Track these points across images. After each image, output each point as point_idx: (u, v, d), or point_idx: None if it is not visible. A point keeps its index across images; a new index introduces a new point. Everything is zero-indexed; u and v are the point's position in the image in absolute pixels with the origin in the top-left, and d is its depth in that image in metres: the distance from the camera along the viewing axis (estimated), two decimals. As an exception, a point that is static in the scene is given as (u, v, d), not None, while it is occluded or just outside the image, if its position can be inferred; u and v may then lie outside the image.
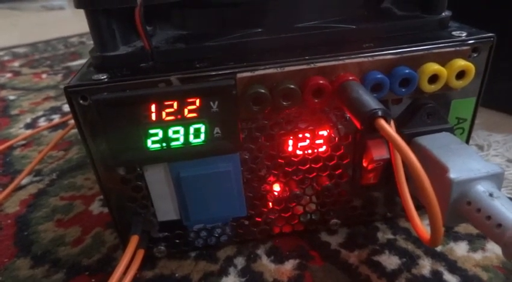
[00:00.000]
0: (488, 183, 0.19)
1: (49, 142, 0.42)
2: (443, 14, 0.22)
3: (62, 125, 0.47)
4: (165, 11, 0.24)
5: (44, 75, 0.66)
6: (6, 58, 0.79)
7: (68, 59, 0.74)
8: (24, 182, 0.36)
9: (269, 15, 0.22)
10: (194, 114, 0.20)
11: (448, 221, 0.20)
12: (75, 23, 0.98)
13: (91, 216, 0.31)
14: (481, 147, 0.36)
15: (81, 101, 0.19)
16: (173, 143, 0.21)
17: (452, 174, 0.19)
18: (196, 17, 0.23)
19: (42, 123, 0.48)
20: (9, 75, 0.68)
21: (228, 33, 0.22)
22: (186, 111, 0.20)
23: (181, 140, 0.21)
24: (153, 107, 0.20)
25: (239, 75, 0.20)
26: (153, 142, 0.21)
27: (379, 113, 0.17)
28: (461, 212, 0.19)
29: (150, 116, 0.20)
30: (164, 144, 0.21)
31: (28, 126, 0.48)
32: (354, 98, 0.18)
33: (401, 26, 0.22)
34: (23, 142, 0.44)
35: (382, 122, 0.17)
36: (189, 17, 0.23)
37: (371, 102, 0.17)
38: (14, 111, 0.53)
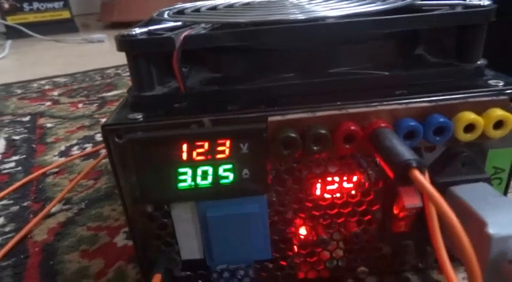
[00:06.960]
0: (532, 242, 0.17)
1: (80, 171, 0.43)
2: (478, 62, 0.22)
3: (94, 154, 0.49)
4: (200, 54, 0.25)
5: (80, 105, 0.69)
6: (47, 87, 0.83)
7: (103, 90, 0.78)
8: (54, 209, 0.37)
9: (302, 60, 0.22)
10: (224, 155, 0.20)
11: (487, 281, 0.19)
12: (112, 56, 1.03)
13: (115, 248, 0.31)
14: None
15: (116, 139, 0.20)
16: (201, 183, 0.21)
17: (492, 230, 0.18)
18: (231, 61, 0.23)
19: (76, 151, 0.50)
20: (48, 103, 0.72)
21: (261, 77, 0.22)
22: (216, 152, 0.20)
23: (210, 179, 0.21)
24: (184, 147, 0.20)
25: (270, 118, 0.20)
26: (182, 181, 0.21)
27: (414, 163, 0.16)
28: (502, 271, 0.18)
29: (181, 156, 0.20)
30: (193, 184, 0.21)
31: (62, 154, 0.50)
32: (387, 146, 0.18)
33: (435, 73, 0.22)
34: (56, 170, 0.45)
35: (417, 173, 0.16)
36: (224, 61, 0.24)
37: (405, 152, 0.17)
38: (50, 139, 0.55)
